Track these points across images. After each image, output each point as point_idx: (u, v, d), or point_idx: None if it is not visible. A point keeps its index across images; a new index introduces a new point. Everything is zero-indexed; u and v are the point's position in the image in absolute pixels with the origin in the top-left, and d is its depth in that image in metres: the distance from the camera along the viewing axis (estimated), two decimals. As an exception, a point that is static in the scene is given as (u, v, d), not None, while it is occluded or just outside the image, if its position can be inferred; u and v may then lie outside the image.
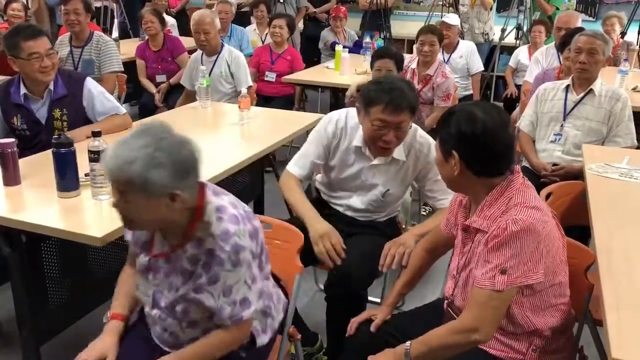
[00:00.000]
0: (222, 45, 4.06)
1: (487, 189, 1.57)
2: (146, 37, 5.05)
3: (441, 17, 5.34)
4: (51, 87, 2.71)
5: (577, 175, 2.78)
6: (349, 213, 2.29)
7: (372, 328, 1.75)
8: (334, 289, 2.07)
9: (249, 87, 3.98)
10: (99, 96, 2.80)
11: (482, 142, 1.51)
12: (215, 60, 4.00)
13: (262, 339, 1.67)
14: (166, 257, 1.55)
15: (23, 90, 2.70)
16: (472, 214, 1.63)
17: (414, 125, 2.16)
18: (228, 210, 1.51)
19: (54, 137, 2.04)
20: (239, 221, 1.50)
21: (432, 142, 2.14)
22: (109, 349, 1.59)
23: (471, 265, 1.60)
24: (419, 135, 2.20)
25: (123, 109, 2.90)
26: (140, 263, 1.62)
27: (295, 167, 2.28)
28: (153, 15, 4.86)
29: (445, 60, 4.81)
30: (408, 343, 1.54)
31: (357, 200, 2.25)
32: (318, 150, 2.24)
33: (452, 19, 4.91)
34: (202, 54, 4.05)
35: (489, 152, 1.53)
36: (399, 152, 2.15)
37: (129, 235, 1.66)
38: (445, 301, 1.73)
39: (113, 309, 1.68)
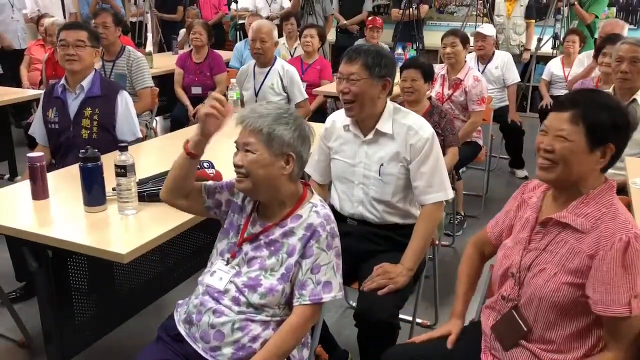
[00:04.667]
0: (275, 58, 4.02)
1: (592, 186, 1.48)
2: (180, 52, 5.10)
3: (475, 28, 5.25)
4: (84, 84, 2.88)
5: (620, 190, 2.65)
6: (360, 209, 2.25)
7: (449, 345, 1.67)
8: (363, 320, 2.01)
9: (306, 99, 4.00)
10: (130, 114, 2.96)
11: (629, 136, 1.46)
12: (268, 73, 3.96)
13: None
14: (255, 237, 1.67)
15: (63, 81, 2.90)
16: (550, 209, 1.53)
17: (394, 104, 2.24)
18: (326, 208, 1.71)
19: (81, 151, 2.03)
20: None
21: (424, 124, 2.18)
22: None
23: (546, 266, 1.49)
24: (402, 115, 2.21)
25: (139, 133, 3.05)
26: (221, 248, 1.73)
27: (314, 173, 2.40)
28: (202, 28, 4.92)
29: (481, 71, 4.71)
30: None
31: (360, 192, 2.24)
32: (319, 149, 2.36)
33: (488, 29, 4.80)
34: (255, 64, 4.00)
35: (624, 148, 1.47)
36: (384, 126, 2.18)
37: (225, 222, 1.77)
38: (505, 303, 1.59)
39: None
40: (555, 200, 1.55)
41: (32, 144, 4.55)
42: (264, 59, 3.94)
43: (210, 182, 1.81)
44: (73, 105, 2.87)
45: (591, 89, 1.53)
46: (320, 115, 4.86)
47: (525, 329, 1.54)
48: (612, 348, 1.45)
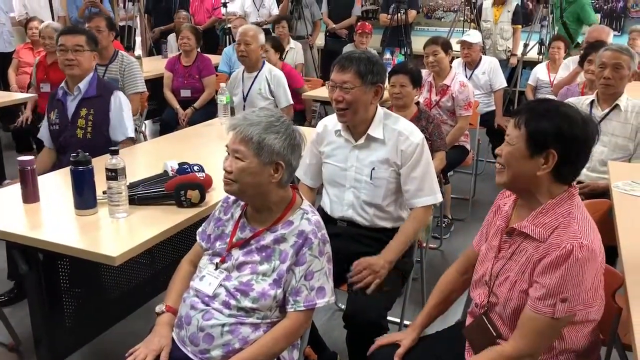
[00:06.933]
0: (263, 63, 4.03)
1: (549, 195, 1.51)
2: (169, 56, 5.10)
3: (462, 33, 5.31)
4: (81, 85, 2.92)
5: (603, 193, 2.71)
6: (350, 212, 2.27)
7: (396, 358, 1.69)
8: (352, 321, 2.04)
9: (290, 105, 4.03)
10: (122, 114, 2.97)
11: (579, 146, 1.47)
12: (256, 77, 3.98)
13: None
14: (245, 242, 1.67)
15: (63, 84, 2.97)
16: (518, 218, 1.56)
17: (384, 109, 2.28)
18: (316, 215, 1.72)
19: (72, 154, 2.04)
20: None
21: (414, 130, 2.23)
22: (166, 340, 1.65)
23: (509, 274, 1.53)
24: (392, 120, 2.26)
25: (132, 132, 3.06)
26: (212, 251, 1.73)
27: (304, 177, 2.43)
28: (190, 32, 4.94)
29: (468, 77, 4.76)
30: None
31: (350, 195, 2.27)
32: (311, 153, 2.38)
33: (473, 37, 4.83)
34: (243, 70, 4.02)
35: (578, 158, 1.49)
36: (375, 131, 2.22)
37: (208, 228, 1.80)
38: (478, 310, 1.64)
39: (168, 301, 1.76)
40: (520, 210, 1.59)
41: (20, 147, 4.58)
42: (249, 62, 3.94)
43: (201, 243, 1.82)
44: (71, 107, 2.94)
45: (545, 99, 1.59)
46: (302, 119, 4.91)
47: (495, 335, 1.57)
48: (518, 340, 1.47)
